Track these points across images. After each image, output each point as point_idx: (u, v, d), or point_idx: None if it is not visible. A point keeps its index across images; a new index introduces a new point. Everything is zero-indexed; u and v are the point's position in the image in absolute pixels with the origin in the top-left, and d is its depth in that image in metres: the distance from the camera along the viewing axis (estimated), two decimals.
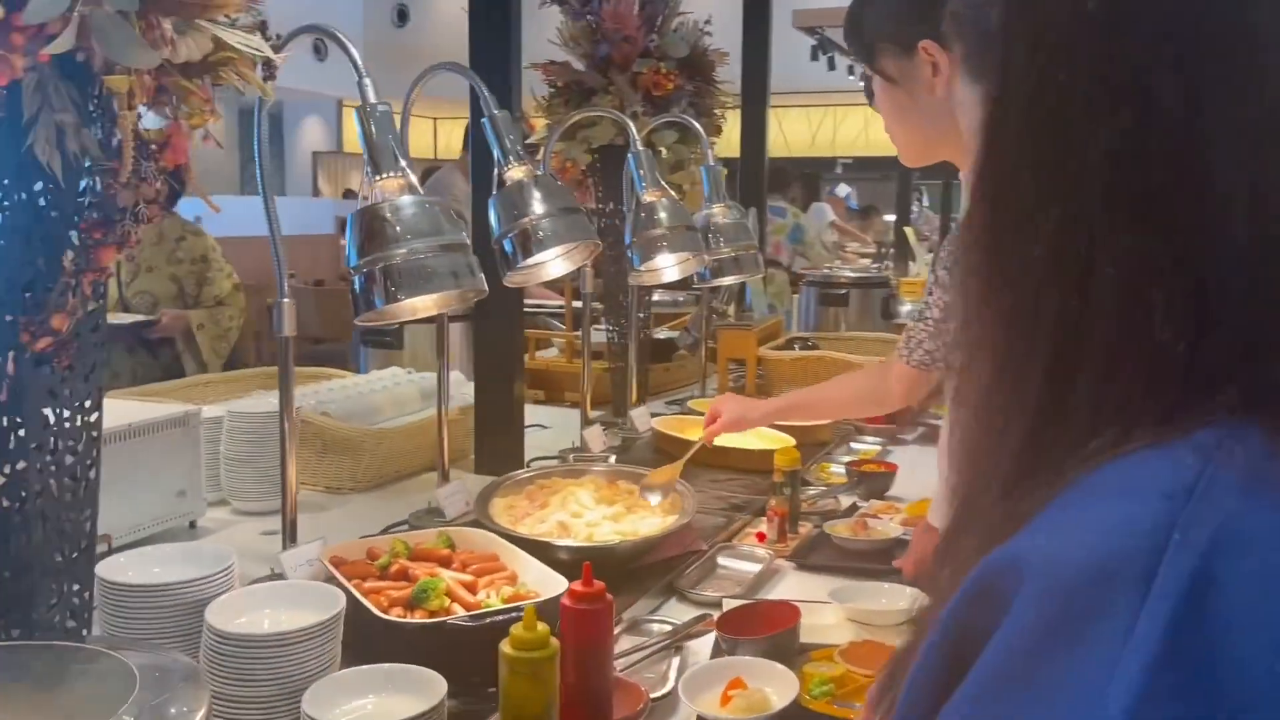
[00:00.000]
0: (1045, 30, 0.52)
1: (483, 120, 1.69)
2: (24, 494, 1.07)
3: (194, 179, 1.16)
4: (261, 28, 1.14)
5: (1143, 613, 0.41)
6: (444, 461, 1.97)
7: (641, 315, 2.92)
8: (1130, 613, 0.41)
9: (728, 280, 2.66)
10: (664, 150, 2.83)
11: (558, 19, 2.78)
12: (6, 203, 1.03)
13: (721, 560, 1.81)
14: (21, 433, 1.06)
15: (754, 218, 3.40)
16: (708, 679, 1.28)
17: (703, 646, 1.45)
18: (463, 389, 2.43)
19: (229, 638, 1.15)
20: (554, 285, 3.64)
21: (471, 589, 1.42)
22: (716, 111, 2.96)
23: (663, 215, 2.16)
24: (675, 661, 1.40)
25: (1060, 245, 0.51)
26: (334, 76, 4.01)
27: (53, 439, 1.08)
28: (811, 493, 2.18)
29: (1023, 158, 0.53)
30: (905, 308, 4.47)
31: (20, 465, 1.06)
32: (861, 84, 1.58)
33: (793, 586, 1.73)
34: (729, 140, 3.51)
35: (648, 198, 2.16)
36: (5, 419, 1.06)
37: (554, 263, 1.84)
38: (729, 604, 1.53)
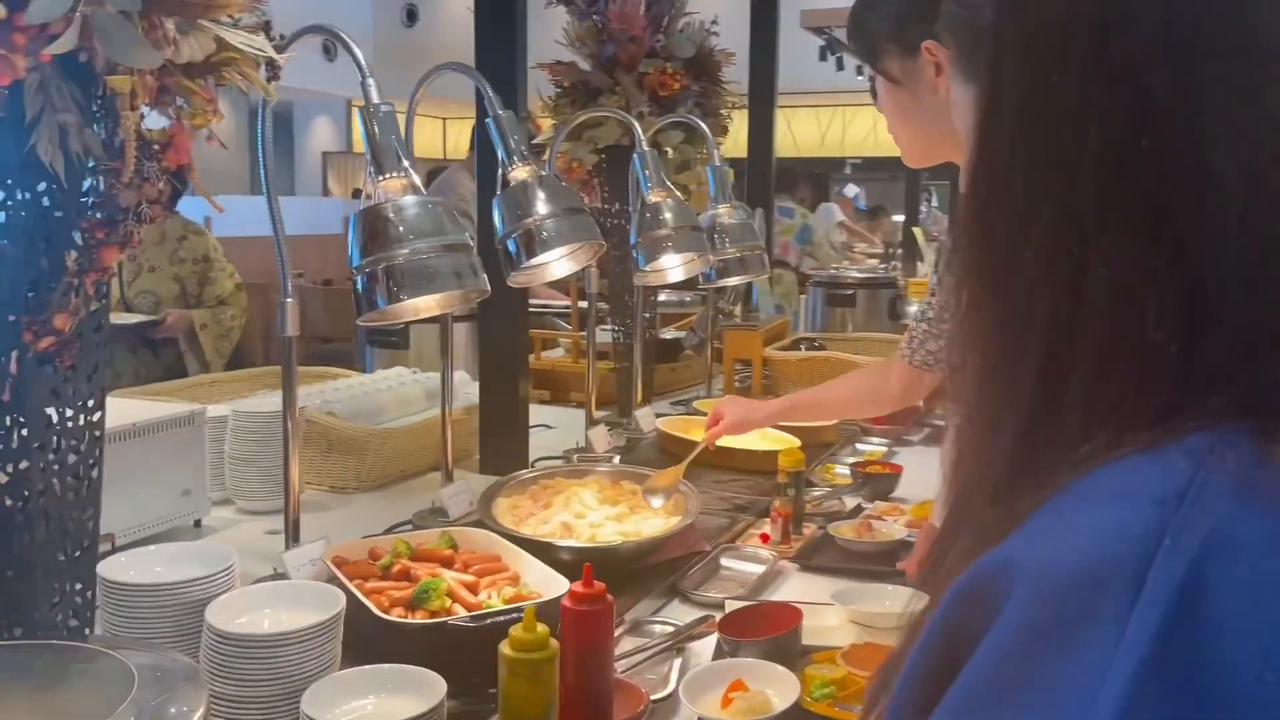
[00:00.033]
0: (1038, 29, 0.52)
1: (487, 120, 1.70)
2: (27, 493, 1.07)
3: (199, 179, 1.16)
4: (265, 28, 1.14)
5: (1133, 617, 0.41)
6: (448, 461, 1.97)
7: (647, 315, 2.91)
8: (1121, 617, 0.41)
9: (733, 281, 2.65)
10: (670, 150, 2.83)
11: (564, 19, 2.78)
12: (10, 203, 1.03)
13: (725, 561, 1.81)
14: (24, 432, 1.06)
15: (761, 218, 3.40)
16: (709, 681, 1.28)
17: (705, 648, 1.45)
18: (468, 389, 2.44)
19: (229, 638, 1.16)
20: (559, 285, 3.64)
21: (473, 589, 1.42)
22: (722, 112, 2.95)
23: (668, 215, 2.16)
24: (677, 663, 1.40)
25: (1053, 246, 0.50)
26: (343, 77, 4.01)
27: (55, 438, 1.09)
28: (816, 494, 2.17)
29: (1015, 158, 0.53)
30: (913, 308, 4.44)
31: (23, 464, 1.06)
32: (869, 84, 1.58)
33: (796, 588, 1.72)
34: (737, 141, 3.51)
35: (653, 198, 2.16)
36: (8, 418, 1.06)
37: (558, 263, 1.84)
38: (731, 605, 1.52)
